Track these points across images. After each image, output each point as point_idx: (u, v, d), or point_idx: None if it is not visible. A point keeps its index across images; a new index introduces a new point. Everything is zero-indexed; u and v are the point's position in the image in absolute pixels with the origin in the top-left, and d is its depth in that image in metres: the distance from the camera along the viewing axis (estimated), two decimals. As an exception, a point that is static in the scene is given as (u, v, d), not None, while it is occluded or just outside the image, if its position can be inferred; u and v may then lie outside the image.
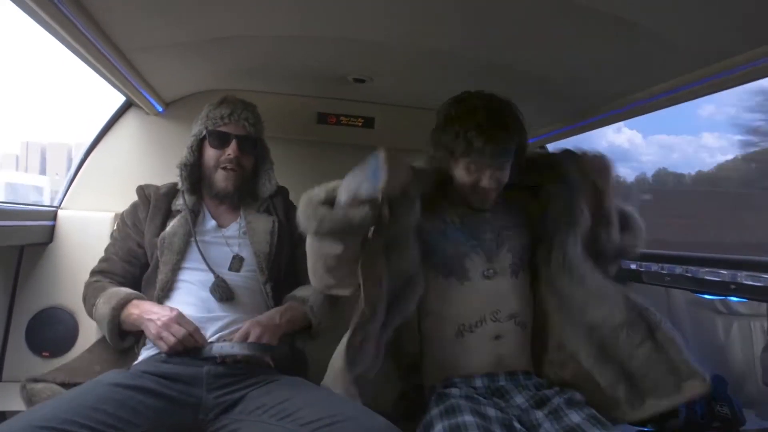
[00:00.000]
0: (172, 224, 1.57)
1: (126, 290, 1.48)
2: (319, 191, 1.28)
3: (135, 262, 1.59)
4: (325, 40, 1.54)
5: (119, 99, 1.97)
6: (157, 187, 1.66)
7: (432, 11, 1.30)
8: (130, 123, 2.06)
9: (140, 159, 2.02)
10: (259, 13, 1.36)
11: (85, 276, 1.62)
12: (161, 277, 1.50)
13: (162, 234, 1.55)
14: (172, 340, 1.34)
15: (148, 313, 1.40)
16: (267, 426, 1.24)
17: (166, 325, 1.35)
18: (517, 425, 1.23)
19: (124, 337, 1.46)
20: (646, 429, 1.67)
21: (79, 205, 1.98)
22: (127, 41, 1.43)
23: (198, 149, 1.62)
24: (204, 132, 1.60)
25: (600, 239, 1.42)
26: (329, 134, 2.17)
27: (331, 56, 1.67)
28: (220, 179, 1.59)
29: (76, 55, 1.41)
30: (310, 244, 1.32)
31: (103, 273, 1.57)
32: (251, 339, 1.38)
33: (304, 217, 1.26)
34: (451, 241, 1.43)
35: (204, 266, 1.51)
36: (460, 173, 1.40)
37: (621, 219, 1.46)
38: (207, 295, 1.48)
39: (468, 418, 1.19)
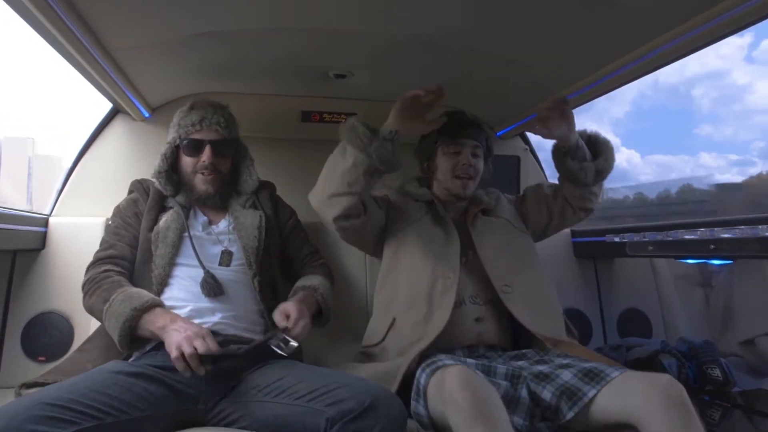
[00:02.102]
0: (165, 218, 1.58)
1: (148, 294, 1.43)
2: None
3: (138, 248, 1.58)
4: (303, 32, 1.58)
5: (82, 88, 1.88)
6: (152, 182, 1.67)
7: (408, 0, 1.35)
8: (117, 129, 2.10)
9: (129, 165, 2.05)
10: (237, 6, 1.41)
11: (79, 280, 1.57)
12: (157, 271, 1.50)
13: (156, 228, 1.56)
14: (189, 351, 1.27)
15: (174, 324, 1.35)
16: (262, 404, 1.26)
17: (190, 338, 1.29)
18: (501, 366, 1.30)
19: (134, 341, 1.40)
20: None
21: (70, 211, 2.00)
22: (111, 39, 1.47)
23: (173, 156, 1.64)
24: (177, 140, 1.62)
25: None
26: (313, 131, 2.21)
27: (311, 49, 1.72)
28: (200, 183, 1.61)
29: (64, 57, 1.45)
30: (339, 158, 1.49)
31: (111, 260, 1.54)
32: (299, 327, 1.42)
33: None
34: None
35: (195, 261, 1.52)
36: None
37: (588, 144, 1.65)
38: (198, 290, 1.49)
39: (447, 360, 1.25)
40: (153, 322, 1.36)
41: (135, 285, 1.49)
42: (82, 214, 1.98)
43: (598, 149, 1.66)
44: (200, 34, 1.55)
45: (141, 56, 1.62)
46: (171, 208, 1.62)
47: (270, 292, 1.60)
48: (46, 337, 1.77)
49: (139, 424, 1.19)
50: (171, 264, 1.52)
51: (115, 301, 1.39)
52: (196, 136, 1.60)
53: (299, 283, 1.65)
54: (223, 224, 1.65)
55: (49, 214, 1.97)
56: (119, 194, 1.74)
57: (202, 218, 1.64)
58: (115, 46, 1.51)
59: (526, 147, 2.41)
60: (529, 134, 2.41)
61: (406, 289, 1.56)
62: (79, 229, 1.89)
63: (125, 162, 2.06)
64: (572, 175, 1.63)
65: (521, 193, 1.87)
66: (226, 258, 1.57)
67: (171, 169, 1.64)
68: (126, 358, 1.44)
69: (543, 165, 2.46)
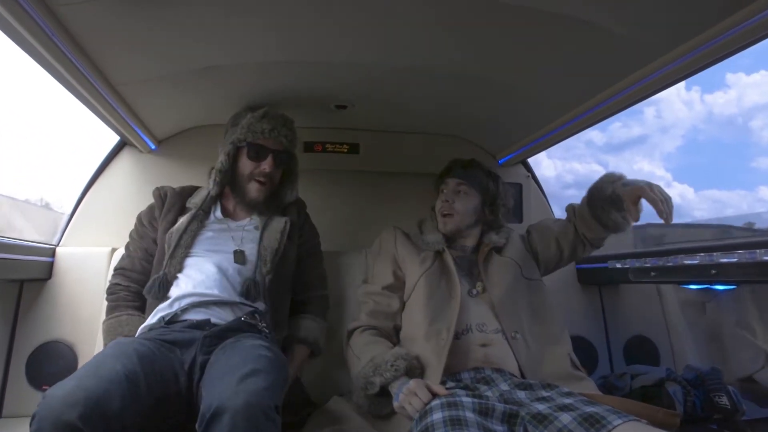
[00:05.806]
0: (181, 220, 1.66)
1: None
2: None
3: (151, 260, 1.67)
4: (304, 65, 1.62)
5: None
6: (173, 188, 1.77)
7: (406, 31, 1.38)
8: (124, 162, 2.15)
9: (135, 196, 2.08)
10: (239, 42, 1.46)
11: (85, 311, 1.81)
12: (168, 269, 1.58)
13: (171, 229, 1.64)
14: None
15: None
16: (215, 382, 1.22)
17: None
18: (499, 405, 1.24)
19: None
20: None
21: (77, 242, 2.03)
22: (116, 74, 1.52)
23: (234, 156, 1.72)
24: (244, 142, 1.70)
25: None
26: (316, 162, 2.24)
27: (312, 81, 1.76)
28: (253, 190, 1.71)
29: (70, 90, 1.50)
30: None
31: (123, 271, 1.69)
32: None
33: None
34: None
35: (208, 255, 1.61)
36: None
37: None
38: (203, 278, 1.56)
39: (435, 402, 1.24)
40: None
41: (151, 277, 1.60)
42: (89, 244, 2.01)
43: None
44: (204, 68, 1.60)
45: (146, 90, 1.67)
46: (191, 209, 1.70)
47: (277, 295, 1.67)
48: (51, 366, 1.79)
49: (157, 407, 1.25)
50: (182, 262, 1.60)
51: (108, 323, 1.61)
52: (263, 142, 1.70)
53: (296, 331, 1.73)
54: (245, 221, 1.73)
55: (57, 244, 2.01)
56: (126, 225, 1.78)
57: (218, 214, 1.73)
58: (120, 81, 1.56)
59: (528, 174, 2.42)
60: (530, 161, 2.42)
61: (407, 342, 1.58)
62: (86, 259, 1.92)
63: (132, 193, 2.10)
64: (613, 225, 1.62)
65: (527, 230, 1.86)
66: (240, 257, 1.64)
67: (230, 168, 1.72)
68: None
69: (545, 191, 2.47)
